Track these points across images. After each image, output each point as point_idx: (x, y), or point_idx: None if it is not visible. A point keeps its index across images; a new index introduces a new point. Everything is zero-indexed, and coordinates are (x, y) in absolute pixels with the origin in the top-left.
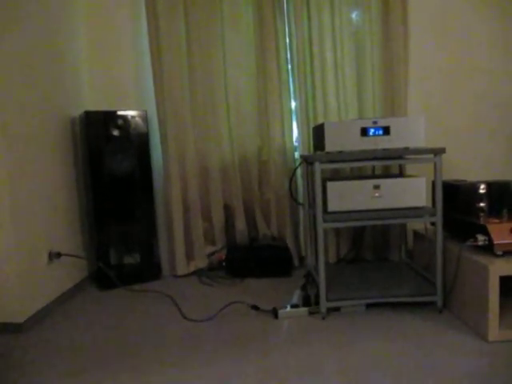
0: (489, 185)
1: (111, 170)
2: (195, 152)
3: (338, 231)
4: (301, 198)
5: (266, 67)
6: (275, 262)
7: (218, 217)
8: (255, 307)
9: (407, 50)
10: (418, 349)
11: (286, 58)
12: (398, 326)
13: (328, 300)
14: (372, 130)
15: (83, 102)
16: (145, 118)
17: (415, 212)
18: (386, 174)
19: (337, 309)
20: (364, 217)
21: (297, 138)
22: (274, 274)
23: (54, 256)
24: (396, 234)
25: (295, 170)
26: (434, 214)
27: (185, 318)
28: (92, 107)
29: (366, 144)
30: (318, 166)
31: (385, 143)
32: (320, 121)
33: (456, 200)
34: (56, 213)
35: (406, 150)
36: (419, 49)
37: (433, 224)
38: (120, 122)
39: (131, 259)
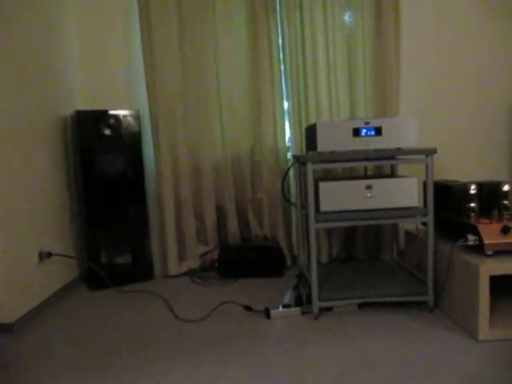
0: (479, 185)
1: (103, 169)
2: (187, 152)
3: (330, 231)
4: (293, 198)
5: (259, 67)
6: (267, 262)
7: (210, 217)
8: (248, 307)
9: (399, 51)
10: (410, 348)
11: (279, 59)
12: (389, 326)
13: (320, 300)
14: (364, 131)
15: (75, 101)
16: (137, 118)
17: (407, 212)
18: (378, 175)
19: (329, 308)
20: (356, 217)
21: (289, 139)
22: (266, 274)
23: (45, 256)
24: (388, 233)
25: (288, 170)
26: (425, 214)
27: (177, 318)
28: (83, 106)
29: (358, 144)
30: (310, 166)
31: (377, 143)
32: (312, 121)
33: (447, 200)
34: (47, 212)
35: (398, 150)
36: (411, 50)
37: (424, 224)
38: (112, 121)
39: (123, 259)
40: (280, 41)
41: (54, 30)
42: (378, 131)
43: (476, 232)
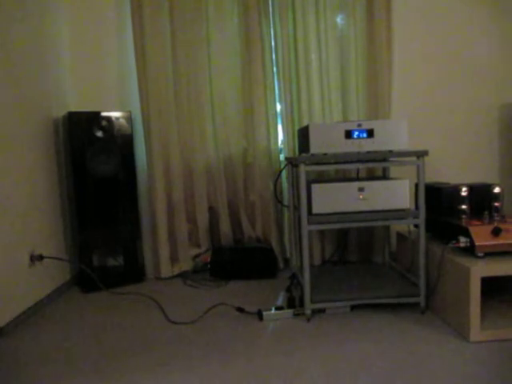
0: (471, 187)
1: (95, 171)
2: (180, 154)
3: (322, 233)
4: (286, 200)
5: (251, 69)
6: (260, 264)
7: (202, 219)
8: (240, 309)
9: (391, 53)
10: (401, 350)
11: (272, 61)
12: (381, 328)
13: (313, 302)
14: (356, 133)
15: (66, 102)
16: (129, 119)
17: (399, 214)
18: (371, 177)
19: (322, 310)
20: (348, 219)
21: (282, 140)
22: (258, 276)
23: (36, 258)
24: (380, 235)
25: (280, 172)
26: (417, 216)
27: (169, 320)
28: (75, 108)
29: (350, 146)
30: (302, 168)
31: (369, 146)
32: (305, 123)
33: (439, 202)
34: (38, 215)
35: (390, 152)
36: (403, 52)
37: (416, 226)
38: (104, 122)
39: (115, 261)
40: (273, 43)
41: (46, 31)
42: (370, 133)
43: (467, 234)
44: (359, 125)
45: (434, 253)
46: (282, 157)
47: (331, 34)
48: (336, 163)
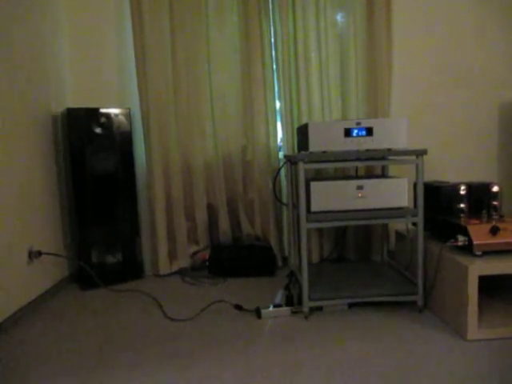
0: (469, 186)
1: (93, 168)
2: (179, 151)
3: (321, 231)
4: (285, 198)
5: (251, 67)
6: (259, 262)
7: (201, 216)
8: (238, 307)
9: (391, 52)
10: (399, 348)
11: (271, 59)
12: (379, 326)
13: (311, 299)
14: (355, 131)
15: (65, 98)
16: (128, 116)
17: (397, 212)
18: (369, 175)
19: (319, 308)
20: (347, 217)
21: (281, 138)
22: (257, 274)
23: (34, 255)
24: (378, 234)
25: (279, 169)
26: (415, 215)
27: (167, 317)
28: (74, 104)
29: (350, 145)
30: (301, 166)
31: (368, 144)
32: (304, 121)
33: (437, 201)
34: (37, 211)
35: (389, 151)
36: (403, 50)
37: (414, 224)
38: (103, 119)
39: (113, 258)
40: (272, 40)
41: (46, 27)
42: (370, 132)
43: (465, 232)
44: (358, 123)
45: (432, 251)
46: (281, 155)
47: (331, 33)
48: (335, 161)
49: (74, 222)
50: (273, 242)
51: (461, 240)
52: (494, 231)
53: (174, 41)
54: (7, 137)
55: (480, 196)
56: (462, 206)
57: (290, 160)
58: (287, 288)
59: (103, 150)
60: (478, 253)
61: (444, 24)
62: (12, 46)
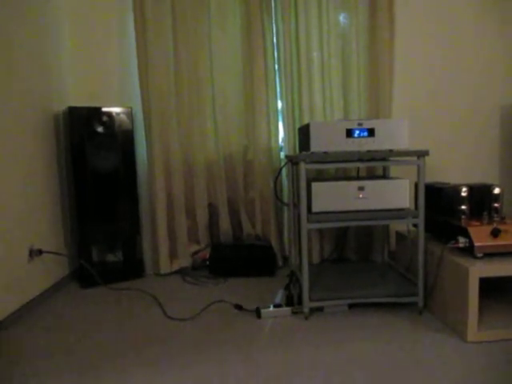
0: (470, 188)
1: (95, 166)
2: (180, 150)
3: (321, 232)
4: (285, 197)
5: (253, 66)
6: (259, 262)
7: (202, 215)
8: (238, 307)
9: (393, 53)
10: (399, 349)
11: (273, 58)
12: (379, 327)
13: (311, 300)
14: (357, 132)
15: (67, 97)
16: (130, 115)
17: (398, 213)
18: (371, 176)
19: (320, 309)
20: (348, 218)
21: (282, 138)
22: (257, 274)
23: (35, 253)
24: (379, 235)
25: (280, 169)
26: (416, 216)
27: (167, 316)
28: (76, 103)
29: (351, 145)
30: (303, 167)
31: (369, 145)
32: (306, 121)
33: (438, 202)
34: (38, 209)
35: (390, 152)
36: (405, 51)
37: (415, 225)
38: (104, 118)
39: (114, 257)
40: (274, 40)
41: (48, 26)
42: (371, 132)
43: (466, 234)
44: (360, 124)
45: (433, 253)
46: (282, 154)
47: (333, 32)
48: (336, 162)
49: (74, 221)
50: (273, 242)
51: (462, 241)
52: (495, 233)
53: (175, 40)
54: (8, 135)
55: (481, 198)
56: (463, 207)
57: (292, 160)
58: (287, 288)
59: (104, 148)
60: (479, 255)
61: (445, 25)
62: (14, 45)
